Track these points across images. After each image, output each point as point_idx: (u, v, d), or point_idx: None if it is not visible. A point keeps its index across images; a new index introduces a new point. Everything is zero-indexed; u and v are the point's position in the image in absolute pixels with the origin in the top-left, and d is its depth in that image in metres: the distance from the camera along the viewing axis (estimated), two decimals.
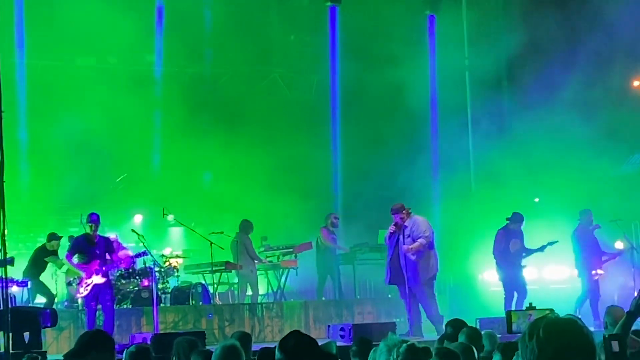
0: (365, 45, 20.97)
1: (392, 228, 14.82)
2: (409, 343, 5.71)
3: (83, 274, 13.95)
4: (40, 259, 16.51)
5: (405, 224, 14.69)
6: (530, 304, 10.65)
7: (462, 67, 22.68)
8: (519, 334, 4.02)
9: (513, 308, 15.70)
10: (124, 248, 17.25)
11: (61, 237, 16.66)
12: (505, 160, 19.94)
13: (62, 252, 15.62)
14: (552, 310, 6.63)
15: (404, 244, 14.65)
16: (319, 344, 5.26)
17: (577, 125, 18.39)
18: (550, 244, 16.63)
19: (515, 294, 16.25)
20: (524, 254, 16.49)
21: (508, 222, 16.52)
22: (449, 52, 22.10)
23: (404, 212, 14.77)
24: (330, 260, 18.48)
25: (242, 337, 9.95)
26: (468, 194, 21.38)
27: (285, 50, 22.48)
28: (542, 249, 16.59)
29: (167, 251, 18.52)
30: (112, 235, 17.26)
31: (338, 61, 22.45)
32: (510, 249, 16.37)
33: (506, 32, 21.46)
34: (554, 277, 18.81)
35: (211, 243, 17.00)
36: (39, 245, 17.35)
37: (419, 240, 14.70)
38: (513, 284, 16.34)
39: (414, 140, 21.45)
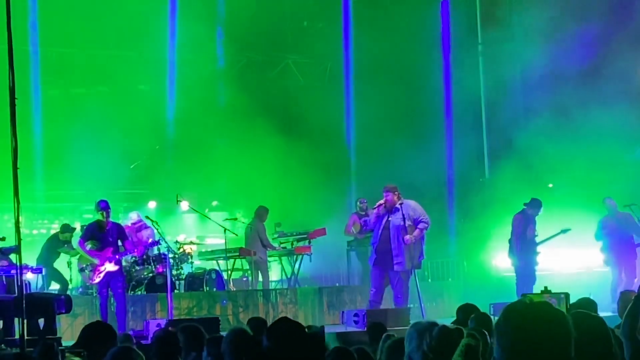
0: (378, 31, 20.91)
1: (380, 204, 14.61)
2: (440, 326, 5.68)
3: (97, 261, 13.99)
4: (53, 249, 16.58)
5: (397, 206, 14.58)
6: (546, 287, 10.53)
7: (476, 53, 22.58)
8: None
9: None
10: (146, 227, 17.25)
11: (74, 229, 16.72)
12: (520, 145, 19.88)
13: (75, 239, 15.65)
14: (567, 294, 6.59)
15: (399, 226, 14.48)
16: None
17: (590, 110, 18.32)
18: (564, 231, 16.59)
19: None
20: (538, 242, 16.47)
21: (525, 207, 16.47)
22: (463, 37, 22.04)
23: (397, 192, 14.66)
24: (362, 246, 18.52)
25: (258, 323, 10.01)
26: (482, 180, 21.35)
27: (298, 37, 22.45)
28: (553, 237, 16.60)
29: (181, 237, 18.55)
30: (133, 215, 17.34)
31: (351, 47, 22.43)
32: (527, 234, 16.33)
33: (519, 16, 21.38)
34: (569, 262, 18.74)
35: (225, 229, 17.03)
36: (52, 233, 17.41)
37: (421, 224, 14.63)
38: (526, 271, 16.32)
39: (428, 125, 21.40)
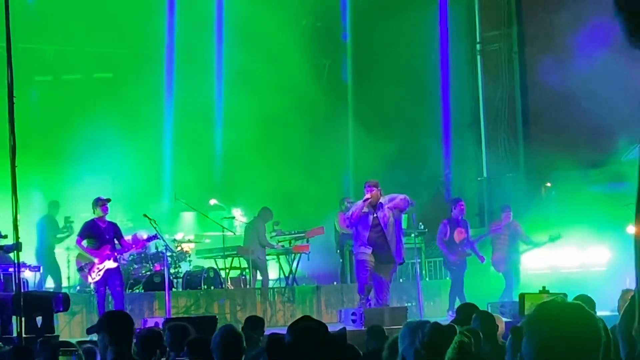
0: (377, 29, 20.92)
1: (367, 199, 14.03)
2: (432, 322, 5.72)
3: (96, 260, 13.98)
4: (50, 231, 16.73)
5: (381, 201, 14.13)
6: (544, 287, 10.57)
7: (474, 52, 22.57)
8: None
9: (465, 297, 15.87)
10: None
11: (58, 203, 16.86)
12: (517, 146, 19.90)
13: (73, 238, 15.67)
14: (565, 294, 6.62)
15: (389, 221, 14.10)
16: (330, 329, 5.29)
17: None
18: (489, 233, 16.92)
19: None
20: (471, 241, 16.58)
21: (452, 211, 16.62)
22: (462, 37, 22.04)
23: (379, 188, 14.21)
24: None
25: (255, 321, 10.03)
26: (480, 179, 21.36)
27: (296, 36, 22.45)
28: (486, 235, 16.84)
29: (179, 236, 18.54)
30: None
31: (350, 45, 22.44)
32: (455, 238, 16.40)
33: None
34: (565, 262, 18.75)
35: (223, 228, 17.00)
36: (42, 215, 17.44)
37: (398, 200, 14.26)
38: (459, 272, 16.43)
39: (426, 124, 21.41)
